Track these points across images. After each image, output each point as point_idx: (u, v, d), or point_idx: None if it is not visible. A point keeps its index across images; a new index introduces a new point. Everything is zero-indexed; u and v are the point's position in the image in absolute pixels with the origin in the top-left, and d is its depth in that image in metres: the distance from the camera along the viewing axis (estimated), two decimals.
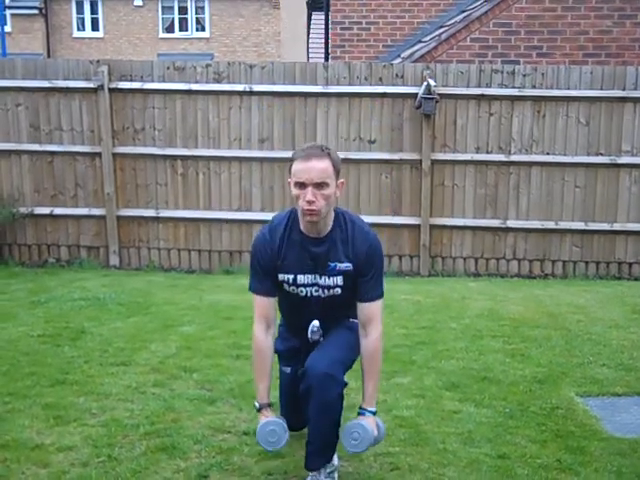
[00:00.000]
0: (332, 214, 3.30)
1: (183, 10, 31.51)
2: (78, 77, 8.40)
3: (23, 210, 8.51)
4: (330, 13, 12.16)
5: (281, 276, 3.32)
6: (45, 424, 3.93)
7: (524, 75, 8.26)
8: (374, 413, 3.31)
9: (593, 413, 4.20)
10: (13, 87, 8.42)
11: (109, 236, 8.59)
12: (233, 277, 8.19)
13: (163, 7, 31.53)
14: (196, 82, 8.39)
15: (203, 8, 31.41)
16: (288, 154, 3.99)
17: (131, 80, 8.39)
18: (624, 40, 10.16)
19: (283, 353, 3.63)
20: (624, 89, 8.19)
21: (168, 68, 8.41)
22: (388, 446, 3.73)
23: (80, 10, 31.48)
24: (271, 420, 3.25)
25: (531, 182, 8.38)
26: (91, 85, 8.33)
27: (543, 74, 8.25)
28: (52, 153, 8.51)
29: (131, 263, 8.70)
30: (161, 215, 8.57)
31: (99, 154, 8.45)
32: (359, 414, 3.31)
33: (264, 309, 3.35)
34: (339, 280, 3.29)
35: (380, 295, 3.35)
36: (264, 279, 3.34)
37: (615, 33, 10.15)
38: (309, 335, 3.41)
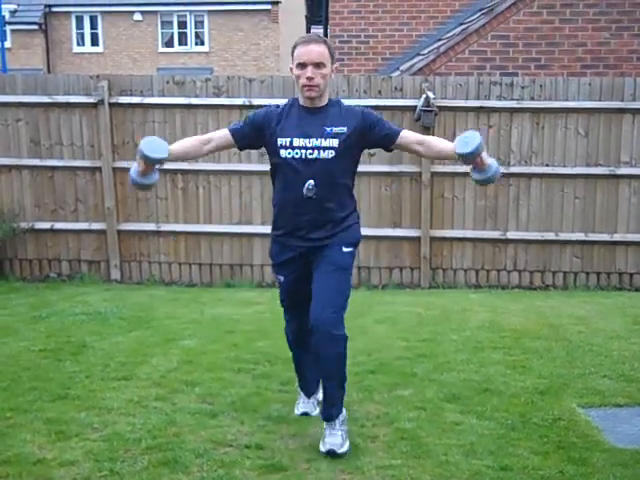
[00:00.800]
0: (327, 94, 3.80)
1: (182, 25, 31.65)
2: (78, 92, 8.43)
3: (24, 225, 8.52)
4: (329, 26, 12.22)
5: (280, 140, 3.71)
6: (47, 439, 3.92)
7: (522, 87, 8.29)
8: None
9: (595, 424, 4.20)
10: (13, 102, 8.45)
11: (110, 250, 8.60)
12: (234, 290, 8.20)
13: (162, 22, 31.67)
14: (196, 96, 8.42)
15: (202, 22, 31.55)
16: None
17: (131, 95, 8.42)
18: (622, 52, 10.20)
19: (277, 264, 3.99)
20: (622, 100, 8.22)
21: (168, 82, 8.45)
22: (390, 459, 3.73)
23: (80, 25, 31.63)
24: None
25: (531, 193, 8.39)
26: (91, 100, 8.36)
27: (541, 86, 8.28)
28: (52, 168, 8.53)
29: (132, 277, 8.70)
30: (162, 229, 8.58)
31: (99, 169, 8.47)
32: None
33: (218, 135, 3.90)
34: (334, 142, 3.69)
35: (401, 129, 3.85)
36: (243, 127, 3.84)
37: (613, 45, 10.19)
38: (304, 192, 3.69)
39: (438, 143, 3.85)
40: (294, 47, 3.70)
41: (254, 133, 3.80)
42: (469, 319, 6.66)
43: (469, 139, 3.58)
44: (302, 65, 3.64)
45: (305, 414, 4.19)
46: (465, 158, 3.62)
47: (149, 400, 4.52)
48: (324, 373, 3.82)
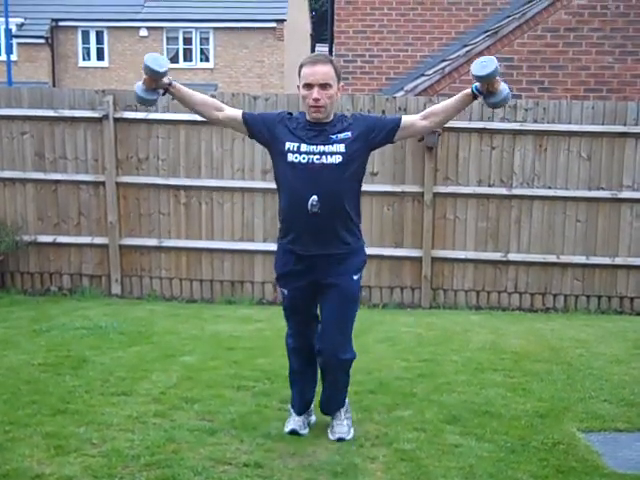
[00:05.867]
0: (333, 112, 3.90)
1: (188, 41, 31.79)
2: (83, 107, 8.46)
3: (26, 238, 8.53)
4: (334, 45, 12.29)
5: (288, 144, 3.81)
6: (45, 454, 3.91)
7: (526, 109, 8.32)
8: None
9: (595, 449, 4.19)
10: (19, 116, 8.48)
11: (111, 265, 8.60)
12: (235, 307, 8.19)
13: (168, 38, 31.82)
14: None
15: (208, 39, 31.69)
16: None
17: (136, 110, 8.44)
18: (625, 76, 10.25)
19: (281, 275, 4.05)
20: (625, 124, 8.25)
21: (172, 99, 8.46)
22: (389, 479, 3.72)
23: (86, 40, 31.77)
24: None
25: (532, 216, 8.40)
26: (96, 115, 8.39)
27: (545, 109, 8.31)
28: (56, 181, 8.55)
29: (133, 292, 8.70)
30: (163, 244, 8.59)
31: (103, 183, 8.48)
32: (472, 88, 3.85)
33: (232, 110, 4.07)
34: (341, 147, 3.79)
35: (400, 117, 3.97)
36: (257, 116, 4.03)
37: (616, 69, 10.24)
38: (309, 207, 3.74)
39: (441, 105, 3.96)
40: (301, 66, 3.80)
41: (265, 127, 3.93)
42: (470, 340, 6.65)
43: (487, 62, 3.70)
44: (308, 86, 3.74)
45: (293, 432, 4.17)
46: (482, 80, 3.74)
47: (148, 416, 4.51)
48: (329, 384, 4.18)
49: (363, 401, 4.83)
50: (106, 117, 8.37)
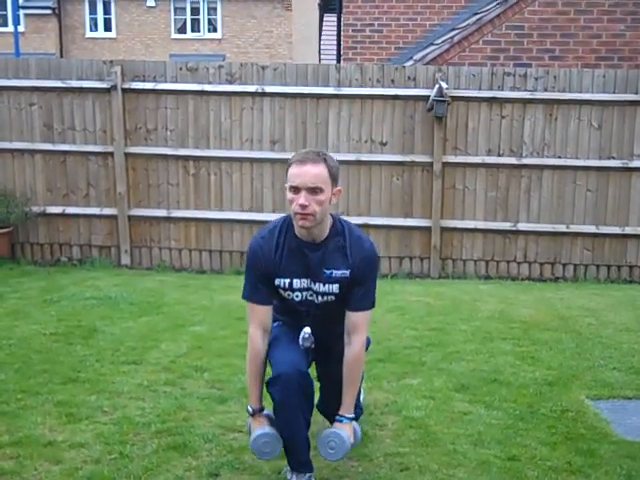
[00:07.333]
0: (328, 221, 3.27)
1: (195, 11, 31.62)
2: (91, 77, 8.44)
3: (36, 209, 8.55)
4: (342, 15, 12.18)
5: (277, 281, 3.29)
6: (57, 421, 3.96)
7: (536, 78, 8.25)
8: (351, 420, 3.30)
9: (603, 416, 4.20)
10: (27, 87, 8.46)
11: (120, 236, 8.63)
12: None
13: (175, 8, 31.66)
14: (209, 83, 8.42)
15: (215, 9, 31.51)
16: None
17: (144, 80, 8.42)
18: (637, 44, 10.13)
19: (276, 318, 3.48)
20: (637, 93, 8.17)
21: (181, 69, 8.44)
22: (398, 447, 3.75)
23: (93, 10, 31.64)
24: (266, 432, 3.24)
25: (542, 185, 8.36)
26: (104, 85, 8.36)
27: (555, 77, 8.24)
28: (65, 152, 8.55)
29: (142, 263, 8.73)
30: (172, 215, 8.60)
31: (111, 154, 8.48)
32: (336, 421, 3.30)
33: (260, 317, 3.33)
34: (334, 288, 3.26)
35: (369, 306, 3.32)
36: (259, 286, 3.31)
37: (628, 37, 10.13)
38: (300, 342, 3.33)
39: (350, 365, 3.28)
40: (289, 165, 3.17)
41: (265, 276, 3.30)
42: (479, 309, 6.66)
43: (337, 447, 3.20)
44: (295, 189, 3.11)
45: None
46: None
47: (159, 385, 4.55)
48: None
49: (372, 370, 4.85)
50: (114, 88, 8.34)
